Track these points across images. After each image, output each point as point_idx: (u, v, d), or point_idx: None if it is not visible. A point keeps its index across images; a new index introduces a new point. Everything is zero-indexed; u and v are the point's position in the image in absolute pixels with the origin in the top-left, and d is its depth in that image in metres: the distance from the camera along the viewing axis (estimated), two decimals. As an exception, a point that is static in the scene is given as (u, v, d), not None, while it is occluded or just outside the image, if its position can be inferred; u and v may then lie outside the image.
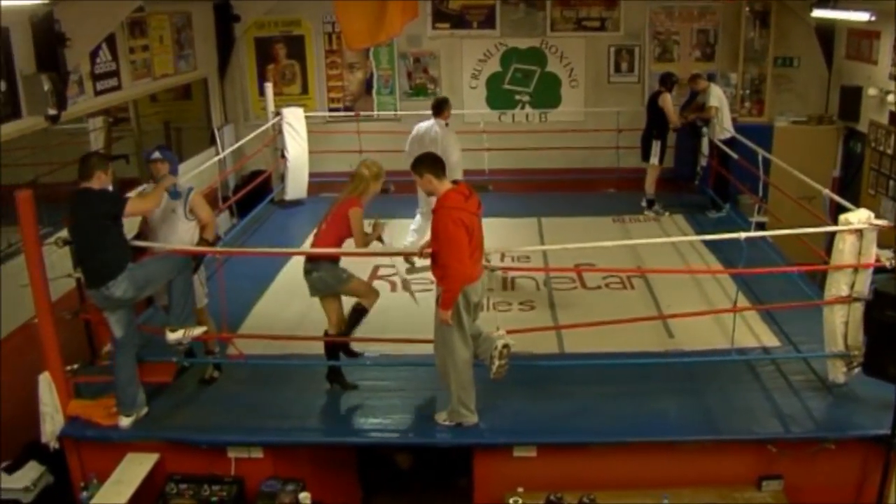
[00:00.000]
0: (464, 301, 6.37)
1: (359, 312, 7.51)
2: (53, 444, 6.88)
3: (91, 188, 6.53)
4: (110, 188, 6.81)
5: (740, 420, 6.89)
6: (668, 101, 12.07)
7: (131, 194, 7.21)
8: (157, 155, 7.15)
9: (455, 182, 6.59)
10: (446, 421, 6.80)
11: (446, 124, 10.17)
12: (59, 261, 7.00)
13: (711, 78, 13.20)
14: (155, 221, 7.23)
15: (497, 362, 6.50)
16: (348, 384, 7.50)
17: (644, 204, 12.54)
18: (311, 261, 7.28)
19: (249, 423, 6.99)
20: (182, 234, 7.23)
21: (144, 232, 7.33)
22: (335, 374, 7.51)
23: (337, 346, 7.52)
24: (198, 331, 7.08)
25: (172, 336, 6.94)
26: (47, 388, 6.78)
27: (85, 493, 6.69)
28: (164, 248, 7.05)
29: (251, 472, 6.89)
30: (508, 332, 6.67)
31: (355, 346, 7.67)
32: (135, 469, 6.70)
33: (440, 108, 10.21)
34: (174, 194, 7.06)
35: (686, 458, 6.77)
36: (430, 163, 6.56)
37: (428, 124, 10.16)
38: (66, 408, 6.89)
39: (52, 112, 8.53)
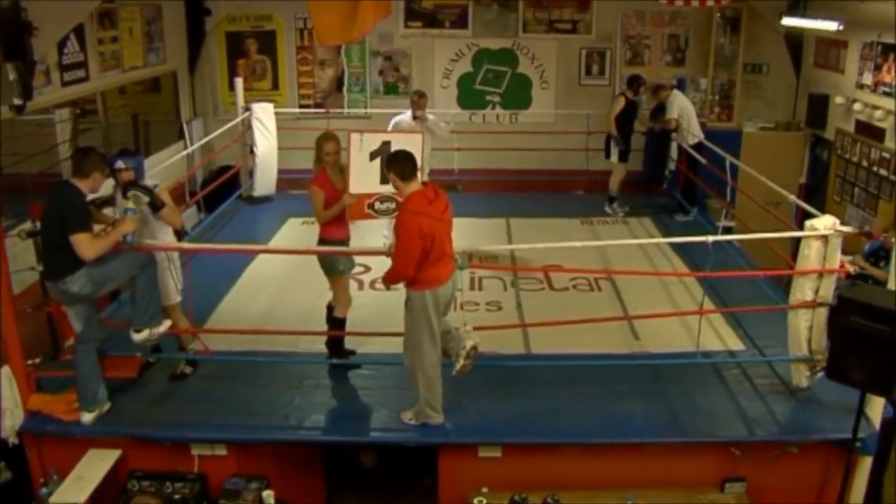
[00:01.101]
0: (433, 302, 6.35)
1: (331, 311, 7.63)
2: (13, 440, 6.78)
3: (76, 186, 6.42)
4: (96, 194, 6.70)
5: (705, 422, 6.93)
6: (616, 105, 12.37)
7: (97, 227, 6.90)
8: (119, 164, 6.88)
9: (424, 183, 6.56)
10: (412, 420, 6.79)
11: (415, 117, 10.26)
12: (21, 253, 6.90)
13: (681, 83, 13.30)
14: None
15: (462, 361, 6.51)
16: (346, 351, 7.76)
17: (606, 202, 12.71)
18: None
19: (214, 419, 6.94)
20: (153, 229, 7.09)
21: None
22: (336, 347, 7.69)
23: (337, 321, 7.66)
24: (163, 327, 7.00)
25: (138, 337, 6.87)
26: (8, 383, 6.69)
27: (45, 490, 6.60)
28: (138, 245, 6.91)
29: (215, 469, 6.84)
30: (476, 329, 6.67)
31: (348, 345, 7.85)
32: (96, 465, 6.63)
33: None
34: (129, 241, 6.68)
35: (651, 460, 6.81)
36: (397, 162, 6.48)
37: (406, 118, 10.21)
38: (26, 402, 6.81)
39: (17, 102, 8.38)
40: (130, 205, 6.70)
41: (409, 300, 6.44)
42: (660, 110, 12.55)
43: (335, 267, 7.50)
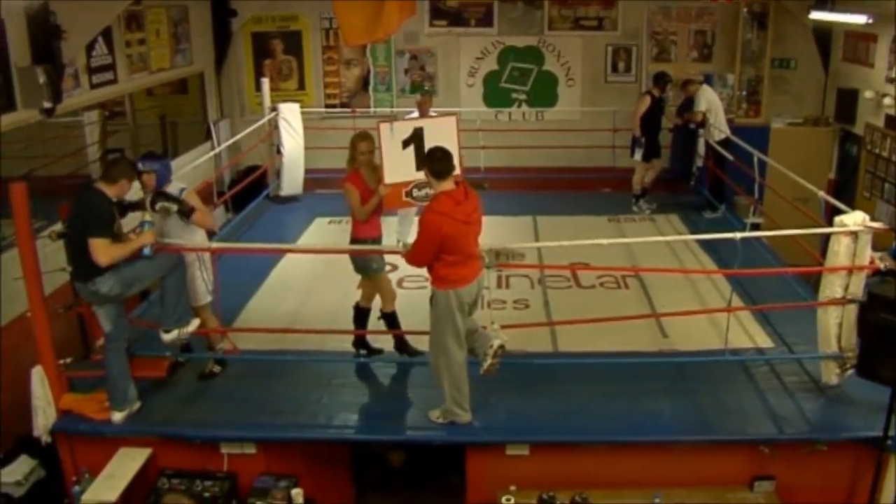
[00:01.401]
0: (457, 301, 6.36)
1: (358, 311, 7.68)
2: (46, 438, 6.85)
3: (101, 191, 6.45)
4: (125, 199, 6.72)
5: (733, 420, 6.89)
6: (640, 104, 12.29)
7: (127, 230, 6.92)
8: (139, 167, 6.91)
9: (457, 182, 6.56)
10: (440, 419, 6.80)
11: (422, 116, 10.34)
12: (52, 254, 6.97)
13: (708, 79, 13.21)
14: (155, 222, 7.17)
15: (489, 360, 6.52)
16: (373, 349, 7.78)
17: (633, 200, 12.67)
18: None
19: (243, 418, 6.98)
20: (180, 232, 7.11)
21: None
22: (362, 341, 7.76)
23: (364, 316, 7.74)
24: (192, 327, 7.05)
25: (167, 337, 6.94)
26: (40, 382, 6.77)
27: (77, 488, 6.66)
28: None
29: (244, 467, 6.89)
30: (503, 328, 6.68)
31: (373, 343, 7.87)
32: (127, 464, 6.69)
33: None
34: (146, 255, 6.64)
35: (679, 458, 6.77)
36: (434, 160, 6.47)
37: (412, 118, 10.25)
38: (58, 402, 6.87)
39: (47, 105, 8.50)
40: (149, 217, 6.74)
41: (433, 298, 6.46)
42: (687, 106, 12.49)
43: (369, 266, 7.52)
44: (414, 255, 6.47)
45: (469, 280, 6.42)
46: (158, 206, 6.77)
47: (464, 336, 6.52)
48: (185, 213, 6.86)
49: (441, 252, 6.25)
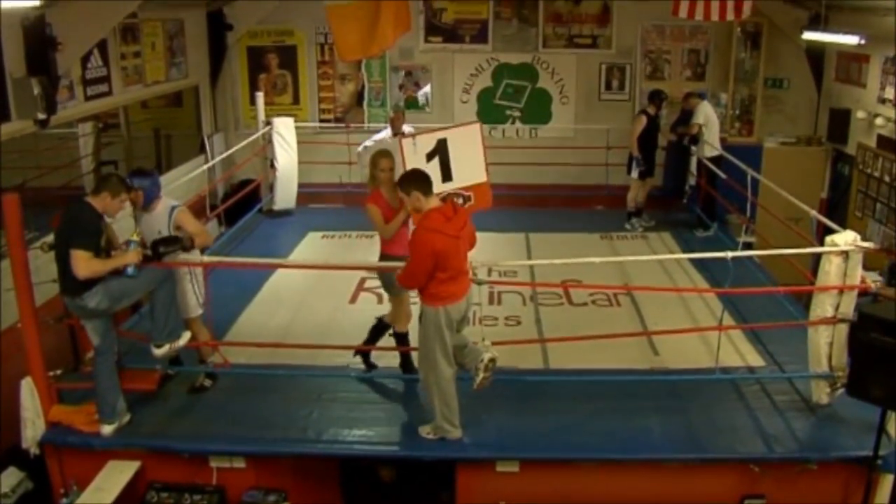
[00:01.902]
0: (446, 318, 6.36)
1: (382, 326, 7.70)
2: (34, 450, 6.81)
3: (89, 204, 6.43)
4: (108, 218, 6.62)
5: (724, 439, 6.88)
6: (637, 125, 12.31)
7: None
8: (128, 183, 6.79)
9: (444, 199, 6.56)
10: (430, 434, 6.78)
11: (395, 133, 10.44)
12: (44, 266, 6.96)
13: (701, 95, 13.26)
14: (143, 237, 7.14)
15: (481, 374, 6.49)
16: (371, 364, 7.82)
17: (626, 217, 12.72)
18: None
19: (232, 432, 6.95)
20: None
21: None
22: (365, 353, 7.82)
23: (381, 332, 7.72)
24: (183, 341, 7.03)
25: (158, 352, 6.91)
26: (29, 394, 6.73)
27: (65, 500, 6.65)
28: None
29: (233, 482, 6.85)
30: (494, 344, 6.67)
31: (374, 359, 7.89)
32: (116, 477, 6.64)
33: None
34: (130, 274, 6.57)
35: (669, 477, 6.76)
36: (421, 180, 6.50)
37: (386, 135, 10.29)
38: (47, 414, 6.84)
39: (41, 116, 8.51)
40: (134, 237, 6.68)
41: (422, 315, 6.46)
42: (682, 121, 12.55)
43: (393, 284, 7.39)
44: (408, 276, 6.44)
45: (458, 297, 6.43)
46: (165, 258, 6.75)
47: (451, 352, 6.52)
48: (187, 247, 6.87)
49: (435, 270, 6.25)
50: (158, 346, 6.88)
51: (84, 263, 6.25)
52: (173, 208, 7.05)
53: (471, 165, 7.42)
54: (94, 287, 6.35)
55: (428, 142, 7.40)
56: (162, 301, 6.84)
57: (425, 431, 6.81)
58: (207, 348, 7.59)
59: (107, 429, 6.77)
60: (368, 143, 10.77)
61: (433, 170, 7.35)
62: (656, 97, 12.34)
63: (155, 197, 7.01)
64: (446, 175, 7.05)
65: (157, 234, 6.89)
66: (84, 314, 6.57)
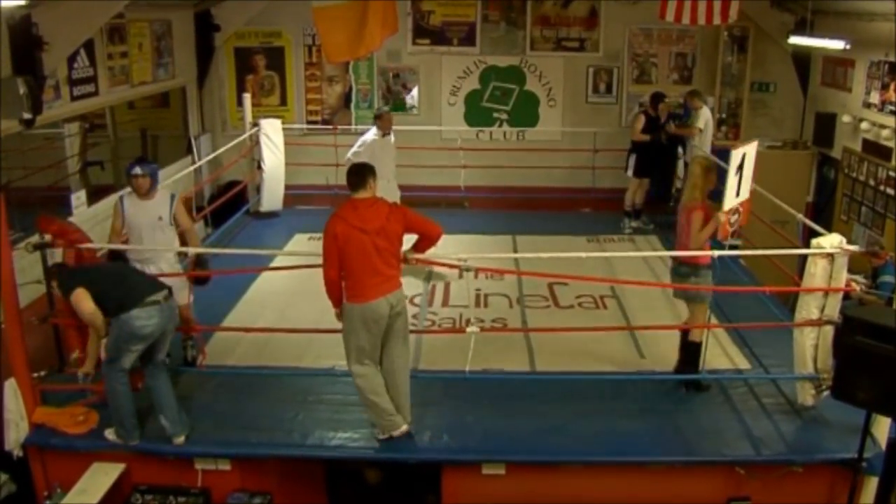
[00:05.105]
0: (360, 317, 6.33)
1: (694, 346, 7.61)
2: (17, 452, 6.77)
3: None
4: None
5: (710, 441, 6.90)
6: (636, 122, 12.39)
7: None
8: (137, 170, 7.12)
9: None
10: (380, 435, 6.76)
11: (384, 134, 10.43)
12: (29, 266, 6.93)
13: (706, 102, 13.29)
14: (142, 228, 7.25)
15: (382, 435, 6.69)
16: None
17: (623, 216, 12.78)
18: (689, 264, 7.48)
19: (217, 434, 6.93)
20: (170, 240, 7.35)
21: (130, 239, 7.35)
22: None
23: None
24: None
25: (179, 441, 6.74)
26: (13, 395, 6.68)
27: (48, 503, 6.62)
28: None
29: (218, 484, 6.84)
30: (480, 349, 6.66)
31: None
32: (100, 479, 6.62)
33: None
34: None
35: (655, 479, 6.77)
36: (351, 174, 6.50)
37: (372, 136, 10.25)
38: (31, 415, 6.81)
39: (26, 116, 8.44)
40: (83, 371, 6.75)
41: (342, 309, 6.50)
42: (676, 116, 12.57)
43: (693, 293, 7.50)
44: (323, 265, 6.42)
45: (369, 298, 6.30)
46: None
47: (371, 353, 6.49)
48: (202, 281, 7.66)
49: (341, 261, 6.25)
50: (177, 436, 6.74)
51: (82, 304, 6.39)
52: (173, 196, 7.32)
53: (748, 181, 7.38)
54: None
55: (737, 155, 7.23)
56: (165, 397, 6.73)
57: (376, 433, 6.80)
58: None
59: (111, 434, 6.75)
60: (358, 149, 10.53)
61: (734, 184, 7.17)
62: (656, 99, 12.48)
63: (154, 184, 7.25)
64: (741, 189, 7.03)
65: (158, 220, 7.24)
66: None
